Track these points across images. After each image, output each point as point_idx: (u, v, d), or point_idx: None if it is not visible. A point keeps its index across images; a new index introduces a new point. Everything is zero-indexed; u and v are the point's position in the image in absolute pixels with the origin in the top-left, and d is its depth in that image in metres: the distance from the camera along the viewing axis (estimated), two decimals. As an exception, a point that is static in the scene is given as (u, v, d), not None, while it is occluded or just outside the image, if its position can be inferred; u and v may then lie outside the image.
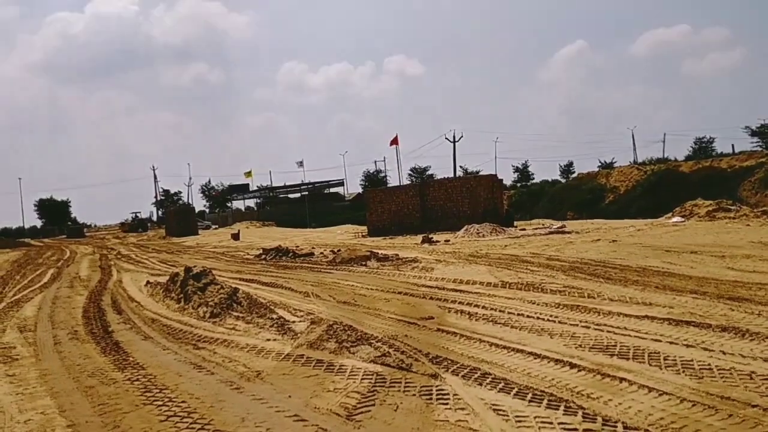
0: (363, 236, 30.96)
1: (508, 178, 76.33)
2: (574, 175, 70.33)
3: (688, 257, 12.13)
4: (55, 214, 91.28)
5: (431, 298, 9.37)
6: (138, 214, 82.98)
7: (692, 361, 5.24)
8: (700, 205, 24.75)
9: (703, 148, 65.65)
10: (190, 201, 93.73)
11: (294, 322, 8.17)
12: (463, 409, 4.49)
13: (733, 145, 62.10)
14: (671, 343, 5.88)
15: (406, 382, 5.20)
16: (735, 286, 8.60)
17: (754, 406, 4.15)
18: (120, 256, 26.70)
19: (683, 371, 5.01)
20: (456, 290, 10.07)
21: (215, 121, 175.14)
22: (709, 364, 5.11)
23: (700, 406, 4.22)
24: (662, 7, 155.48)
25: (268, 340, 7.31)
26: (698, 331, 6.24)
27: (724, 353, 5.42)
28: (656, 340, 5.99)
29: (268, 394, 5.20)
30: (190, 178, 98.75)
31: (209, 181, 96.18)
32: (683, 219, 23.50)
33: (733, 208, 23.92)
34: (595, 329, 6.62)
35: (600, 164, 70.94)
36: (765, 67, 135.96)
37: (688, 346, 5.75)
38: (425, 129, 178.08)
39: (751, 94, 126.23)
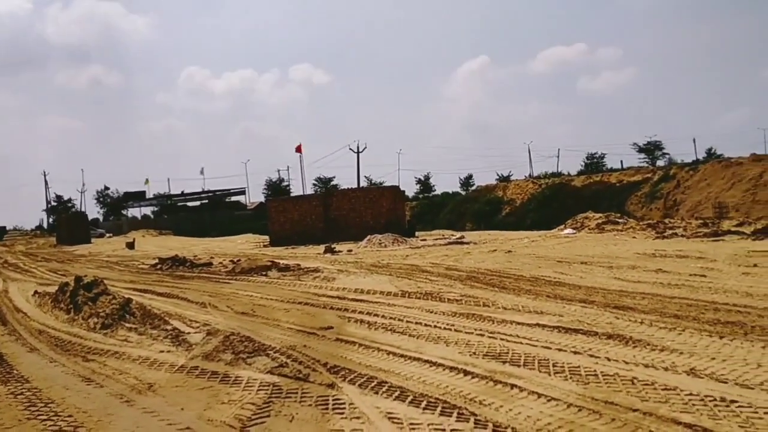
0: (265, 246, 30.61)
1: (411, 189, 77.07)
2: (474, 188, 72.08)
3: (578, 267, 12.67)
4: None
5: (331, 308, 9.35)
6: None
7: (579, 367, 5.46)
8: (591, 218, 26.03)
9: (594, 164, 68.45)
10: (83, 208, 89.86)
11: (189, 333, 7.96)
12: (358, 417, 4.50)
13: (621, 161, 65.40)
14: (560, 350, 6.10)
15: (302, 393, 5.16)
16: (621, 296, 9.02)
17: (635, 411, 4.36)
18: (6, 265, 25.25)
19: (571, 377, 5.21)
20: (356, 300, 10.09)
21: (112, 126, 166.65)
22: (595, 371, 5.33)
23: (585, 411, 4.39)
24: (562, 25, 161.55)
25: (162, 351, 7.09)
26: (586, 339, 6.50)
27: (608, 360, 5.67)
28: (546, 348, 6.20)
29: (159, 407, 5.04)
30: (84, 185, 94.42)
31: (104, 188, 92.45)
32: (575, 231, 24.55)
33: (620, 221, 25.25)
34: (489, 337, 6.79)
35: (498, 177, 72.75)
36: (653, 86, 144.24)
37: (575, 353, 5.98)
38: (330, 139, 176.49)
39: (640, 112, 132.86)
